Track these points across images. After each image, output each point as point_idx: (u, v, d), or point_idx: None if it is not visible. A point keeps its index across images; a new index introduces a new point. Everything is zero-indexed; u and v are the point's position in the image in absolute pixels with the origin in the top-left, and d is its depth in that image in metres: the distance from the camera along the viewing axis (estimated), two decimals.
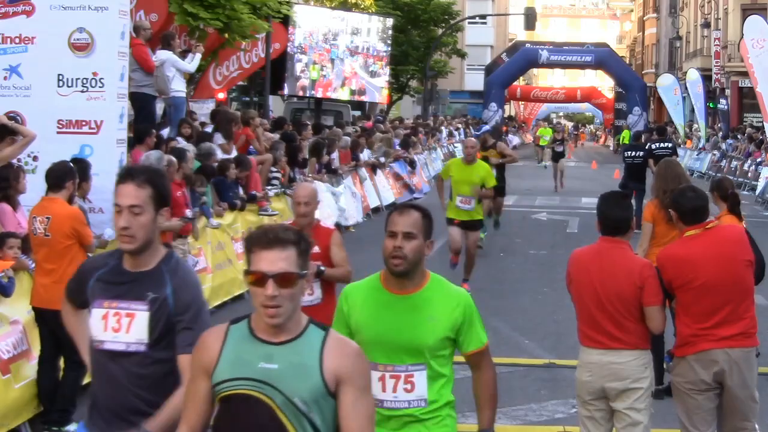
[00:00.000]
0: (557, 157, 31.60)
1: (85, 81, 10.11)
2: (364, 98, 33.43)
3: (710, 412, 5.99)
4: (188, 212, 11.20)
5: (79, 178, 8.68)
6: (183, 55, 15.46)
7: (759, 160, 31.03)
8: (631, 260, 5.85)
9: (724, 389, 5.95)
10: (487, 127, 19.73)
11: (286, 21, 25.27)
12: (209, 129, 15.28)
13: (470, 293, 4.54)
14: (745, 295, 6.02)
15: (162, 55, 14.55)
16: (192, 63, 15.02)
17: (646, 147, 20.36)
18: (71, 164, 8.60)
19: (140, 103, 14.18)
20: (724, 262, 5.93)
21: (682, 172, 8.87)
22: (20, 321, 7.92)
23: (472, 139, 15.26)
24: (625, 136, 40.76)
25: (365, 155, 23.00)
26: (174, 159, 10.74)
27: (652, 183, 9.40)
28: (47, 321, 7.74)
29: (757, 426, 6.26)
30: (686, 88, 47.63)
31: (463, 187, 13.29)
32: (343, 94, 31.58)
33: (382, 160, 24.22)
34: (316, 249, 6.50)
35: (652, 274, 5.79)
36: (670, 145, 20.77)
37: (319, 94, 30.05)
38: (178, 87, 14.79)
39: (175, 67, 14.62)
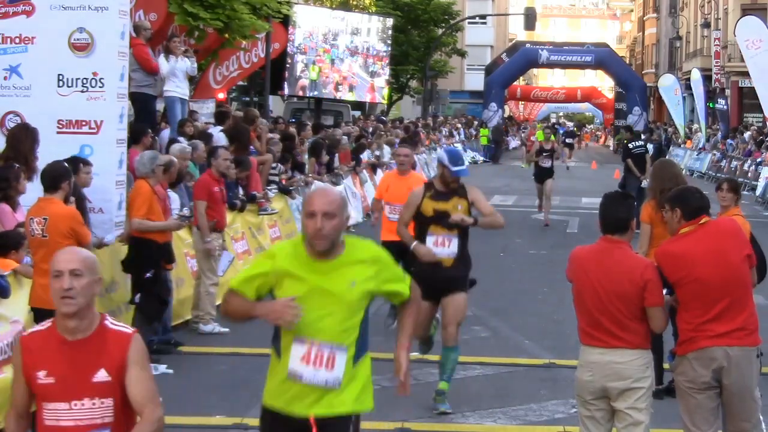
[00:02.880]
0: (543, 175, 21.73)
1: (85, 81, 10.11)
2: (362, 98, 33.50)
3: (711, 412, 5.94)
4: (185, 210, 11.18)
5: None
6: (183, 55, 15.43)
7: (759, 160, 31.03)
8: (632, 259, 5.82)
9: (723, 388, 5.89)
10: (459, 151, 10.24)
11: (286, 21, 25.28)
12: (212, 129, 15.27)
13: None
14: (742, 289, 5.92)
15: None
16: (163, 63, 14.78)
17: (626, 147, 20.60)
18: (66, 165, 8.59)
19: (140, 103, 14.16)
20: (718, 256, 5.87)
21: (678, 172, 8.77)
22: (20, 321, 7.92)
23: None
24: None
25: (365, 155, 23.02)
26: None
27: (648, 184, 9.36)
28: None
29: (764, 427, 6.24)
30: (686, 88, 47.62)
31: None
32: (345, 95, 31.64)
33: (385, 159, 24.18)
34: (102, 375, 4.15)
35: (654, 274, 5.75)
36: (642, 143, 20.95)
37: (323, 94, 30.10)
38: (168, 87, 14.80)
39: None
